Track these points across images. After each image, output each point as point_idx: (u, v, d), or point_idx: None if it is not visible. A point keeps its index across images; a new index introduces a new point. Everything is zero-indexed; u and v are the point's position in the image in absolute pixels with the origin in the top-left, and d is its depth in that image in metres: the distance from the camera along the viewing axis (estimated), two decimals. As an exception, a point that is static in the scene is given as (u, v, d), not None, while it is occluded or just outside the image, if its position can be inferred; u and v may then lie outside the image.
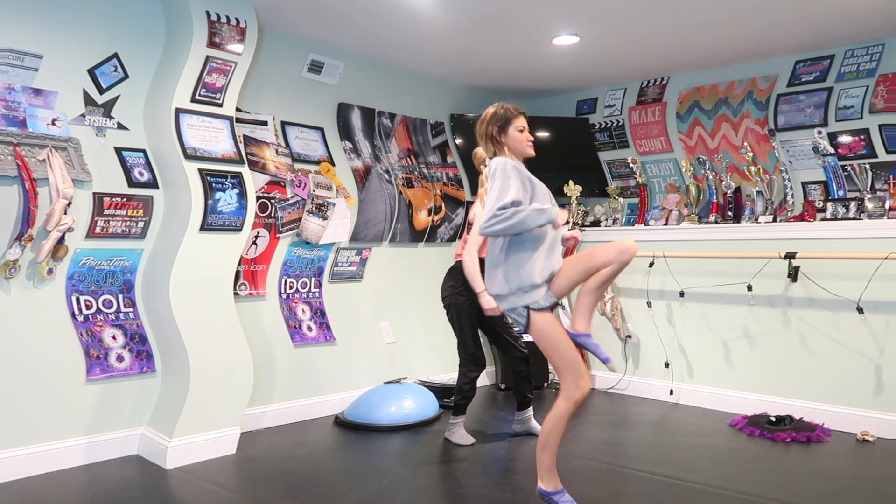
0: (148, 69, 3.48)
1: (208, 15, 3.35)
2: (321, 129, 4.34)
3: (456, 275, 3.61)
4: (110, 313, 3.37)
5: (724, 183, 4.52)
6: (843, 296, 3.92)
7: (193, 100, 3.36)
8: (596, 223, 5.21)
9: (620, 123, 5.15)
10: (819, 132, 4.11)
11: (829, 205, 4.07)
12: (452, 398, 3.78)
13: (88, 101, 3.30)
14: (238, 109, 3.81)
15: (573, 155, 5.31)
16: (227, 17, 3.42)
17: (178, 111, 3.31)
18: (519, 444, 3.68)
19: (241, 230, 3.51)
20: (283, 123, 4.15)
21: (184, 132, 3.33)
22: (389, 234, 4.68)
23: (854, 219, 3.95)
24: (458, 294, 3.59)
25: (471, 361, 3.61)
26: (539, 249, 2.49)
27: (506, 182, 2.41)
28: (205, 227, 3.36)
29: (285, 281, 4.14)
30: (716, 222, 4.53)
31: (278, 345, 4.07)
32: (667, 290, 4.63)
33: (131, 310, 3.45)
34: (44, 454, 3.16)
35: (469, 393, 3.64)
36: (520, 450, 3.59)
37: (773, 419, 3.99)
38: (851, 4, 3.51)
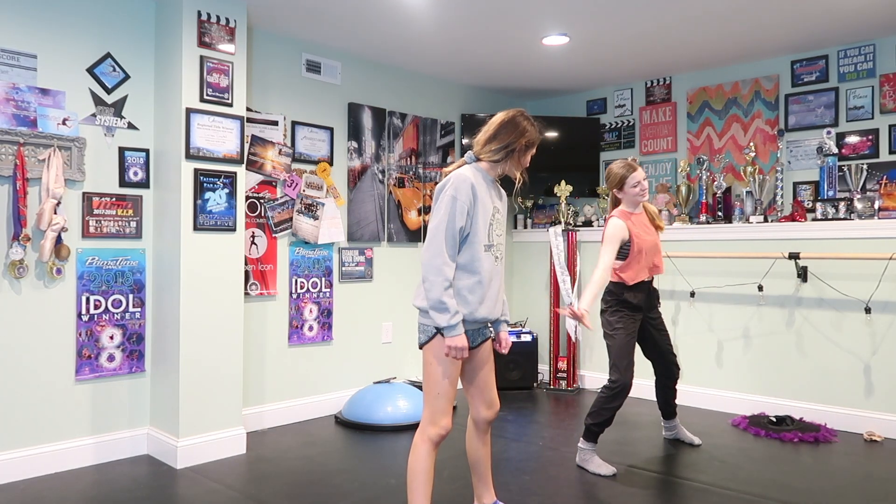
0: (146, 69, 3.50)
1: (199, 14, 3.36)
2: (331, 129, 4.35)
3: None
4: (117, 313, 3.38)
5: (715, 183, 4.53)
6: (853, 296, 3.93)
7: (203, 100, 3.37)
8: (588, 223, 5.22)
9: (631, 123, 5.18)
10: (828, 132, 4.12)
11: (819, 205, 4.08)
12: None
13: (98, 101, 3.32)
14: (249, 109, 3.84)
15: (576, 155, 5.33)
16: (217, 17, 3.43)
17: (189, 111, 3.32)
18: (527, 445, 3.70)
19: (234, 230, 3.52)
20: (294, 123, 4.16)
21: (193, 132, 3.33)
22: (385, 234, 4.69)
23: (844, 219, 3.96)
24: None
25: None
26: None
27: (452, 213, 2.21)
28: (197, 227, 3.37)
29: (295, 281, 4.16)
30: (707, 222, 4.55)
31: (276, 345, 4.08)
32: (677, 291, 4.63)
33: (139, 310, 3.46)
34: (48, 454, 3.17)
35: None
36: (528, 451, 3.60)
37: (774, 419, 4.01)
38: (842, 5, 3.55)
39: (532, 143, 2.39)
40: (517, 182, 2.43)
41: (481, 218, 2.27)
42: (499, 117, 2.38)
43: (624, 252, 3.32)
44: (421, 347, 2.33)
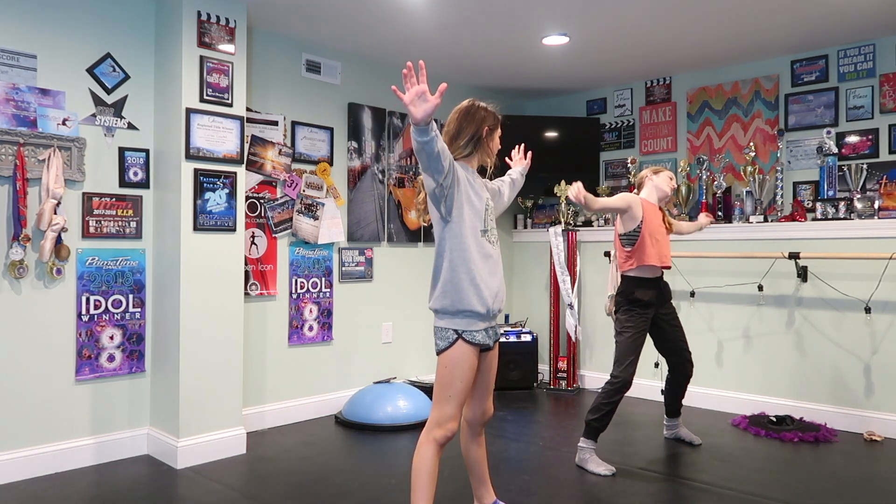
0: (146, 69, 3.50)
1: (199, 14, 3.36)
2: (331, 130, 4.36)
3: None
4: (117, 313, 3.38)
5: (715, 183, 4.53)
6: (853, 296, 3.93)
7: (203, 100, 3.37)
8: (588, 223, 5.22)
9: (631, 123, 5.18)
10: (828, 132, 4.12)
11: (819, 205, 4.08)
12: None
13: (98, 101, 3.32)
14: (249, 109, 3.84)
15: (576, 155, 5.33)
16: (217, 17, 3.43)
17: (189, 111, 3.32)
18: (527, 445, 3.70)
19: (234, 230, 3.52)
20: (294, 123, 4.16)
21: (193, 132, 3.33)
22: (385, 234, 4.69)
23: (844, 219, 3.96)
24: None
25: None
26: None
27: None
28: (197, 227, 3.37)
29: (295, 281, 4.16)
30: (708, 222, 4.55)
31: (276, 345, 4.08)
32: (677, 290, 4.61)
33: (139, 310, 3.46)
34: (48, 454, 3.17)
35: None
36: (528, 451, 3.60)
37: (774, 419, 4.01)
38: (842, 5, 3.55)
39: (494, 125, 2.40)
40: (489, 168, 2.45)
41: (465, 199, 2.29)
42: (454, 114, 2.41)
43: (633, 237, 3.35)
44: (439, 354, 2.27)
